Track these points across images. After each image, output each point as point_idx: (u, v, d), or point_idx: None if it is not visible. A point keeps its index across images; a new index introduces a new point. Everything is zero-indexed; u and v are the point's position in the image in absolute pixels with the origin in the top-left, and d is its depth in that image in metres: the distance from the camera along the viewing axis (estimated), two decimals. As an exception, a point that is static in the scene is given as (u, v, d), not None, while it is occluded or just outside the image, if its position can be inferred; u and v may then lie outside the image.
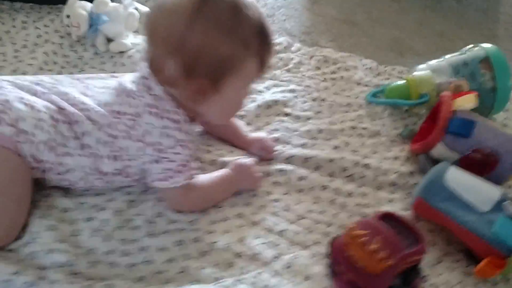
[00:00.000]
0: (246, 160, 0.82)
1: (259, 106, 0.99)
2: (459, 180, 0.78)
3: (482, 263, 0.70)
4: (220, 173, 0.79)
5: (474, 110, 0.91)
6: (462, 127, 0.83)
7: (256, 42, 0.69)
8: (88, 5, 1.04)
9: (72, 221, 0.70)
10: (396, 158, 0.93)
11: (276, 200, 0.81)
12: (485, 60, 1.00)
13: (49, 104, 0.69)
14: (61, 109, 0.69)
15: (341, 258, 0.67)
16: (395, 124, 1.02)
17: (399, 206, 0.84)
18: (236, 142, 0.90)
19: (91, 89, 0.75)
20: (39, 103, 0.68)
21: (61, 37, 1.07)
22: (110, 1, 1.04)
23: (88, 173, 0.71)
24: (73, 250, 0.66)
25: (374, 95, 1.08)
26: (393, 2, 1.57)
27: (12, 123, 0.65)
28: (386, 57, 1.27)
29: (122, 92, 0.72)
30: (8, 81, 0.71)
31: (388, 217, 0.74)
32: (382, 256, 0.63)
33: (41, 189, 0.73)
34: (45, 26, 1.09)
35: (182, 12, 0.65)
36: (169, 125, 0.70)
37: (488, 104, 1.00)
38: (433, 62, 1.06)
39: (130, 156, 0.72)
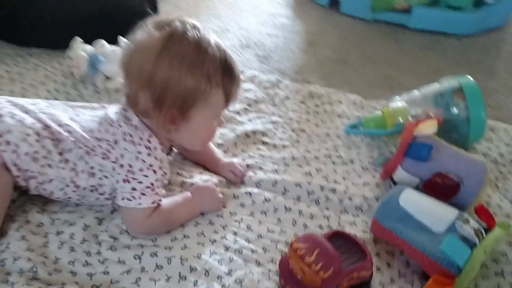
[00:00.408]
0: (206, 183, 0.88)
1: (237, 136, 1.05)
2: (413, 201, 0.79)
3: (428, 282, 0.70)
4: (181, 197, 0.84)
5: (449, 139, 0.93)
6: (419, 151, 0.85)
7: (219, 75, 0.77)
8: (89, 47, 1.16)
9: (44, 234, 0.77)
10: (365, 184, 0.96)
11: (238, 221, 0.85)
12: (459, 90, 1.02)
13: (36, 122, 0.78)
14: (47, 127, 0.78)
15: (285, 272, 0.70)
16: (371, 153, 1.05)
17: (360, 228, 0.85)
18: (209, 166, 0.96)
19: (80, 116, 0.83)
20: (28, 119, 0.77)
21: (65, 77, 1.19)
22: (107, 44, 1.16)
23: (66, 184, 0.78)
24: (39, 259, 0.72)
25: (353, 126, 1.12)
26: (391, 43, 1.62)
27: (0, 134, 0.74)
28: (375, 93, 1.31)
29: (105, 121, 0.80)
30: (7, 99, 0.82)
31: (338, 236, 0.77)
32: (319, 268, 0.65)
33: (20, 205, 0.81)
34: (53, 67, 1.22)
35: (151, 49, 0.73)
36: (141, 151, 0.77)
37: (464, 133, 1.02)
38: (407, 95, 1.09)
39: (105, 173, 0.79)
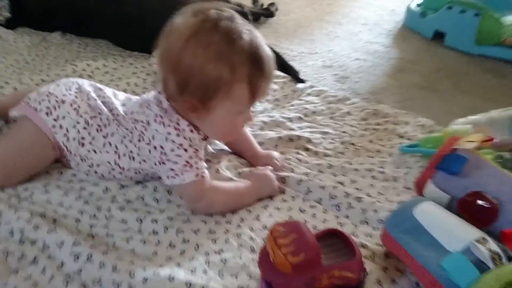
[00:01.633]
0: (264, 170, 0.89)
1: (280, 138, 1.04)
2: (430, 214, 0.70)
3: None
4: (240, 181, 0.88)
5: None
6: (452, 163, 0.75)
7: (246, 68, 0.75)
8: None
9: (68, 189, 0.85)
10: (400, 202, 0.87)
11: (250, 210, 0.85)
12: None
13: (90, 111, 0.88)
14: (99, 114, 0.88)
15: (263, 252, 0.67)
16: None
17: (375, 241, 0.78)
18: (246, 156, 0.97)
19: (131, 101, 0.93)
20: (83, 108, 0.88)
21: (148, 74, 1.32)
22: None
23: (112, 168, 0.87)
24: (51, 207, 0.81)
25: (410, 147, 1.03)
26: (492, 77, 1.47)
27: (56, 118, 0.86)
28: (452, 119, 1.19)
29: (143, 103, 0.87)
30: (78, 84, 0.92)
31: (336, 235, 0.72)
32: (288, 251, 0.61)
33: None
34: (142, 67, 1.37)
35: (181, 34, 0.75)
36: (170, 132, 0.80)
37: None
38: (473, 117, 0.98)
39: (143, 157, 0.85)
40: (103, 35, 1.55)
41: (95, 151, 0.86)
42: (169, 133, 0.80)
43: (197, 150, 0.82)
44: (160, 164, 0.81)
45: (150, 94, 0.88)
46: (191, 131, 0.82)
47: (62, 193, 0.84)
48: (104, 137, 0.86)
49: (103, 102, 0.91)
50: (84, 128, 0.86)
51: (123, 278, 0.67)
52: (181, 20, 0.77)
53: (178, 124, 0.81)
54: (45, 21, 1.59)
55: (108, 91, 0.95)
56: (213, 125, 0.82)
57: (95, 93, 0.92)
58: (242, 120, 0.84)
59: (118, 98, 0.94)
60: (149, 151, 0.82)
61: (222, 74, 0.74)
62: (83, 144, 0.86)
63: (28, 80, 1.20)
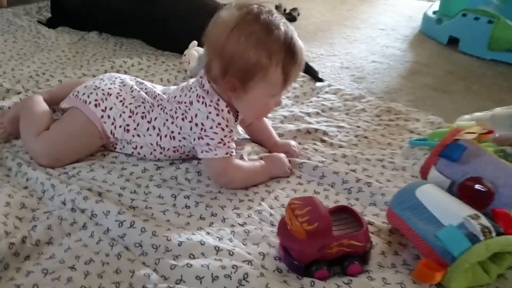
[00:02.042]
0: (278, 153, 1.01)
1: (299, 130, 1.14)
2: (430, 194, 0.79)
3: (418, 265, 0.70)
4: (256, 161, 0.99)
5: None
6: (452, 151, 0.84)
7: (281, 56, 0.86)
8: (202, 49, 1.40)
9: (110, 169, 0.96)
10: (407, 187, 0.96)
11: (269, 191, 0.94)
12: (531, 112, 0.97)
13: (134, 102, 1.00)
14: (142, 103, 1.00)
15: (280, 223, 0.77)
16: (427, 165, 1.04)
17: (381, 220, 0.87)
18: (266, 144, 1.08)
19: (170, 89, 1.05)
20: (127, 99, 1.00)
21: (179, 72, 1.44)
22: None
23: (154, 149, 0.99)
24: (96, 183, 0.92)
25: (419, 140, 1.12)
26: (503, 81, 1.54)
27: (104, 109, 0.98)
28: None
29: (185, 87, 0.98)
30: (122, 79, 1.04)
31: (345, 211, 0.81)
32: (304, 220, 0.71)
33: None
34: (174, 65, 1.49)
35: (227, 24, 0.86)
36: (211, 111, 0.91)
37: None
38: (478, 114, 1.06)
39: (183, 135, 0.96)
40: (137, 35, 1.68)
41: (139, 136, 0.99)
42: (210, 112, 0.91)
43: (231, 131, 0.93)
44: (199, 139, 0.92)
45: (191, 81, 1.00)
46: (228, 112, 0.93)
47: (105, 172, 0.95)
48: (149, 122, 0.98)
49: (146, 92, 1.03)
50: (130, 116, 0.98)
51: (161, 242, 0.78)
52: (227, 12, 0.89)
53: (217, 104, 0.91)
54: (83, 21, 1.73)
55: (148, 83, 1.07)
56: (249, 105, 0.92)
57: (137, 85, 1.04)
58: (273, 103, 0.94)
59: (157, 88, 1.06)
60: (191, 128, 0.93)
61: (260, 59, 0.85)
62: (128, 131, 0.98)
63: (72, 74, 1.33)
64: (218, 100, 0.92)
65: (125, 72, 1.39)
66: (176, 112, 0.96)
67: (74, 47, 1.58)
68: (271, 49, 0.85)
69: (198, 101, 0.93)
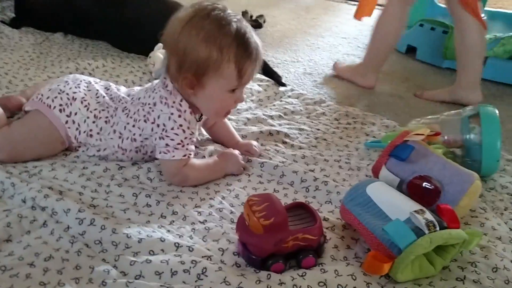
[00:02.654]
0: (232, 150, 1.03)
1: (261, 132, 1.18)
2: (380, 191, 0.83)
3: (367, 257, 0.74)
4: (210, 159, 1.01)
5: (464, 164, 0.95)
6: (401, 151, 0.89)
7: (233, 51, 0.87)
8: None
9: (72, 168, 0.97)
10: (360, 186, 1.00)
11: (230, 190, 0.97)
12: (476, 116, 1.03)
13: (98, 107, 1.00)
14: (106, 108, 1.00)
15: (239, 220, 0.80)
16: (382, 165, 1.09)
17: (336, 216, 0.91)
18: (228, 144, 1.11)
19: (133, 90, 1.06)
20: (92, 104, 1.00)
21: (144, 73, 1.45)
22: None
23: (116, 150, 1.00)
24: (57, 182, 0.92)
25: (373, 143, 1.17)
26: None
27: (69, 114, 0.98)
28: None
29: (149, 88, 1.00)
30: (88, 83, 1.04)
31: (302, 208, 0.85)
32: (261, 215, 0.74)
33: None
34: (139, 66, 1.50)
35: (180, 21, 0.89)
36: (173, 112, 0.93)
37: (477, 159, 1.02)
38: (428, 117, 1.13)
39: (145, 136, 0.97)
40: (102, 37, 1.68)
41: (101, 140, 1.00)
42: (172, 113, 0.93)
43: (192, 133, 0.95)
44: (160, 139, 0.94)
45: (155, 82, 1.01)
46: (191, 113, 0.95)
47: (67, 171, 0.96)
48: (111, 126, 0.99)
49: (110, 96, 1.03)
50: (93, 122, 0.99)
51: (121, 239, 0.79)
52: (183, 11, 0.91)
53: (180, 105, 0.93)
54: (48, 22, 1.72)
55: (113, 86, 1.08)
56: (207, 100, 0.93)
57: (102, 89, 1.04)
58: (234, 99, 0.95)
59: (121, 91, 1.06)
60: (152, 129, 0.95)
61: (211, 54, 0.87)
62: (91, 135, 0.99)
63: (35, 75, 1.32)
64: (181, 100, 0.94)
65: (90, 74, 1.40)
66: (138, 115, 0.97)
67: (38, 48, 1.57)
68: (222, 44, 0.87)
69: (161, 102, 0.94)
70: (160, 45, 1.45)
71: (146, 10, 1.59)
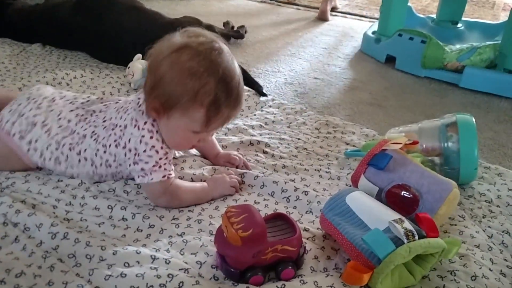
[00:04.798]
0: (221, 173, 1.00)
1: (242, 142, 1.17)
2: (359, 201, 0.83)
3: (346, 268, 0.73)
4: (198, 184, 0.97)
5: (443, 173, 0.96)
6: (379, 160, 0.89)
7: (207, 100, 0.83)
8: (145, 62, 1.40)
9: (46, 180, 0.96)
10: (340, 195, 1.00)
11: (210, 202, 0.96)
12: (453, 124, 1.04)
13: (60, 131, 0.94)
14: (70, 134, 0.94)
15: (218, 231, 0.78)
16: (362, 175, 1.09)
17: (316, 226, 0.90)
18: (209, 156, 1.09)
19: (109, 108, 0.99)
20: (54, 129, 0.94)
21: (122, 84, 1.44)
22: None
23: (91, 176, 0.96)
24: (30, 195, 0.91)
25: (353, 152, 1.17)
26: (435, 97, 1.64)
27: (29, 141, 0.94)
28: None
29: (121, 109, 0.95)
30: (49, 98, 0.99)
31: (281, 218, 0.84)
32: (239, 227, 0.73)
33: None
34: (117, 77, 1.48)
35: (170, 46, 0.84)
36: (144, 135, 0.89)
37: (455, 167, 1.02)
38: (407, 126, 1.13)
39: (119, 161, 0.93)
40: (81, 48, 1.66)
41: (72, 167, 0.95)
42: (143, 136, 0.89)
43: (167, 152, 0.91)
44: (134, 164, 0.90)
45: (129, 98, 0.97)
46: None
47: (41, 183, 0.94)
48: (78, 154, 0.94)
49: (76, 116, 0.96)
50: (56, 149, 0.94)
51: (95, 251, 0.77)
52: (178, 36, 0.86)
53: (152, 125, 0.89)
54: (26, 33, 1.69)
55: (82, 101, 1.01)
56: (169, 132, 0.89)
57: (66, 109, 0.98)
58: (197, 139, 0.92)
59: (94, 105, 1.00)
60: (125, 154, 0.91)
61: (185, 93, 0.83)
62: (60, 163, 0.95)
63: (11, 85, 1.29)
64: (154, 120, 0.89)
65: (67, 85, 1.38)
66: (108, 140, 0.92)
67: (15, 59, 1.54)
68: (198, 91, 0.82)
69: (132, 124, 0.90)
70: (139, 55, 1.43)
71: (125, 21, 1.58)
